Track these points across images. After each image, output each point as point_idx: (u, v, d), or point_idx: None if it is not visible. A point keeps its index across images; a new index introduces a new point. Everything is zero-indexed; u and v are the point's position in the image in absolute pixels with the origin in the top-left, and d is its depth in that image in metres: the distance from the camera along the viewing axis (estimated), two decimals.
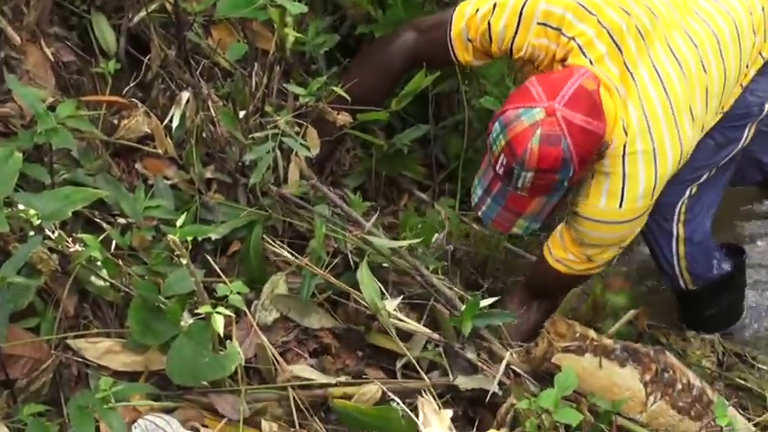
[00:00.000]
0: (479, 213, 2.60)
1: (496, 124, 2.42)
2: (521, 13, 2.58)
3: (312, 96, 2.52)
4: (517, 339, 2.65)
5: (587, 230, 2.61)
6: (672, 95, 2.52)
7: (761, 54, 2.77)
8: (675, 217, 2.93)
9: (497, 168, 2.44)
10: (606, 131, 2.42)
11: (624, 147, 2.48)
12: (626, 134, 2.47)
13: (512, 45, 2.62)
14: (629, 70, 2.50)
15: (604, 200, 2.52)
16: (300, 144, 2.44)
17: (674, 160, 2.54)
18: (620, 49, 2.50)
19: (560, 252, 2.72)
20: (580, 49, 2.51)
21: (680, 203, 2.89)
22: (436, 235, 2.73)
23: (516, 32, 2.59)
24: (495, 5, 2.62)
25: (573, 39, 2.52)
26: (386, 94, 2.93)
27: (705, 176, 2.86)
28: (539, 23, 2.56)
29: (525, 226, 2.58)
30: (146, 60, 2.58)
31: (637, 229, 2.67)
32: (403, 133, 3.15)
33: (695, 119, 2.58)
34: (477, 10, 2.65)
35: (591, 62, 2.49)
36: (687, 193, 2.87)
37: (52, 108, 2.12)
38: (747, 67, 2.74)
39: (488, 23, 2.63)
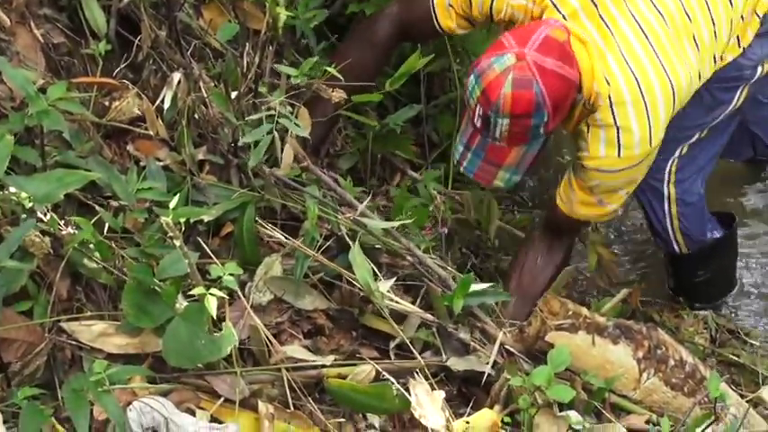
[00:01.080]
0: (462, 169, 2.64)
1: (471, 77, 2.47)
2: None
3: (304, 77, 2.52)
4: (543, 281, 2.78)
5: (593, 180, 2.65)
6: (656, 44, 2.55)
7: (756, 13, 2.77)
8: (666, 177, 2.98)
9: (475, 120, 2.49)
10: (579, 80, 2.47)
11: (609, 98, 2.51)
12: (609, 84, 2.50)
13: (491, 8, 2.66)
14: (605, 23, 2.54)
15: (603, 150, 2.57)
16: (295, 124, 2.43)
17: (666, 106, 2.56)
18: (594, 3, 2.54)
19: (571, 198, 2.75)
20: (554, 5, 2.55)
21: (670, 163, 2.94)
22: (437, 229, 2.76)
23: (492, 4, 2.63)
24: None
25: None
26: (376, 70, 2.96)
27: (696, 137, 2.90)
28: None
29: (507, 178, 2.61)
30: (136, 41, 2.56)
31: (643, 172, 2.71)
32: (396, 113, 3.14)
33: (686, 65, 2.60)
34: None
35: (564, 17, 2.53)
36: (677, 152, 2.92)
37: (43, 90, 2.11)
38: (743, 20, 2.74)
39: None
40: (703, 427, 2.16)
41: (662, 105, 2.55)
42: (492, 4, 2.65)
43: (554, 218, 2.87)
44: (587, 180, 2.66)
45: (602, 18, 2.54)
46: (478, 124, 2.48)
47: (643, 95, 2.52)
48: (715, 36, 2.67)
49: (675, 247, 3.15)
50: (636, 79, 2.52)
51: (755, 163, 3.68)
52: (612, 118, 2.53)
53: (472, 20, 2.74)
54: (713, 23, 2.65)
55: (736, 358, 3.15)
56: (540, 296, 2.63)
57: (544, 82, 2.38)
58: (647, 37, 2.55)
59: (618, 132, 2.53)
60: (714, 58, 2.70)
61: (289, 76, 2.49)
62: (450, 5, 2.74)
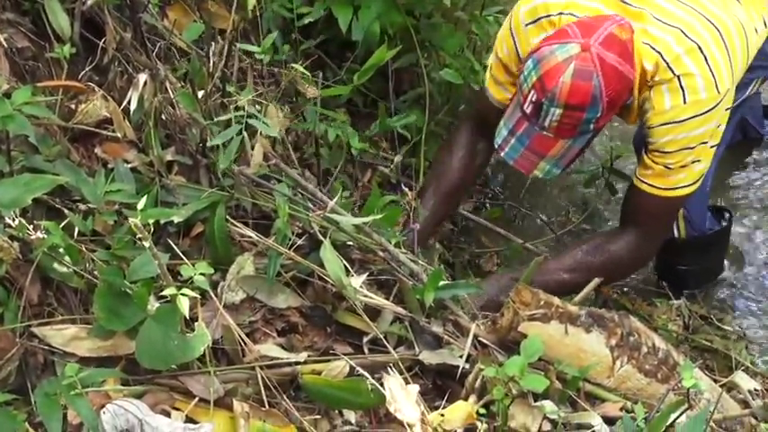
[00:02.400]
0: (502, 154, 2.62)
1: (529, 62, 2.47)
2: (511, 30, 2.68)
3: (265, 54, 2.53)
4: (636, 265, 2.89)
5: (663, 139, 2.58)
6: (692, 2, 2.57)
7: None
8: None
9: (525, 107, 2.48)
10: (635, 78, 2.46)
11: (662, 57, 2.50)
12: (657, 51, 2.50)
13: (519, 57, 2.66)
14: (632, 5, 2.56)
15: (668, 100, 2.52)
16: (263, 123, 2.43)
17: (720, 51, 2.54)
18: None
19: (650, 178, 2.70)
20: (572, 16, 2.55)
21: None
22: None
23: (516, 46, 2.66)
24: (497, 40, 2.76)
25: (561, 13, 2.57)
26: (466, 173, 3.01)
27: None
28: (527, 25, 2.63)
29: (547, 169, 2.60)
30: (101, 44, 2.54)
31: (711, 126, 2.59)
32: (395, 117, 3.22)
33: (732, 15, 2.61)
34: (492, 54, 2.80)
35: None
36: None
37: (8, 95, 2.10)
38: None
39: (498, 57, 2.75)
40: (678, 413, 2.18)
41: (716, 50, 2.53)
42: (519, 55, 2.67)
43: (635, 208, 2.82)
44: (657, 145, 2.60)
45: (627, 3, 2.55)
46: (528, 110, 2.47)
47: (695, 41, 2.51)
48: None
49: (675, 231, 3.16)
50: (681, 31, 2.51)
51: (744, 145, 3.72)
52: (670, 71, 2.50)
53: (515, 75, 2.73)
54: None
55: (710, 344, 3.17)
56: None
57: (604, 76, 2.38)
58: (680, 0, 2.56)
59: (679, 80, 2.50)
60: (755, 26, 2.71)
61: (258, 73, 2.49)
62: (496, 79, 2.79)
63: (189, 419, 2.04)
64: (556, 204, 3.77)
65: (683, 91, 2.50)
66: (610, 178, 3.59)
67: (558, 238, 3.53)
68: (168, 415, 2.02)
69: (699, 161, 2.64)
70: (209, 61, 2.53)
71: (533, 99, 2.44)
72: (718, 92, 2.52)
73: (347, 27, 3.18)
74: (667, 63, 2.49)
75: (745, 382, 2.71)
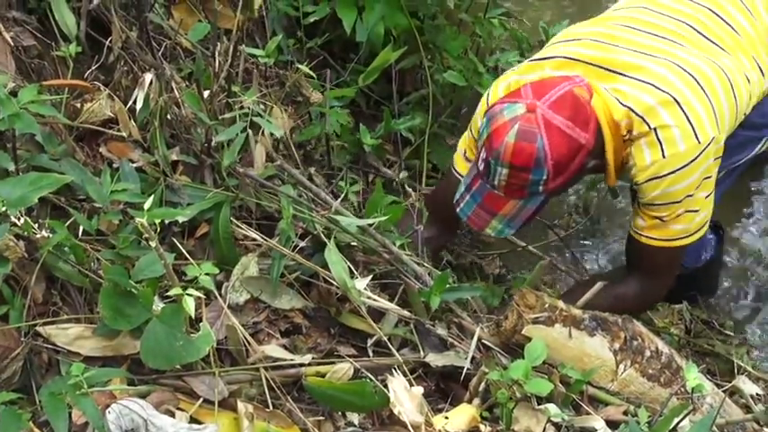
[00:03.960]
0: (458, 210, 2.59)
1: (484, 120, 2.44)
2: (488, 106, 2.55)
3: (269, 58, 2.52)
4: (644, 307, 2.91)
5: (651, 194, 2.52)
6: (662, 51, 2.52)
7: None
8: None
9: (479, 164, 2.46)
10: (590, 143, 2.40)
11: (634, 111, 2.44)
12: (623, 105, 2.45)
13: None
14: (603, 68, 2.52)
15: (648, 156, 2.46)
16: (268, 123, 2.43)
17: (698, 98, 2.47)
18: (584, 61, 2.53)
19: (648, 230, 2.64)
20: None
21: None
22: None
23: None
24: (474, 118, 2.72)
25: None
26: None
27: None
28: None
29: (499, 228, 2.56)
30: (107, 43, 2.55)
31: (695, 178, 2.50)
32: (401, 120, 3.21)
33: (708, 60, 2.55)
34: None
35: None
36: None
37: (14, 93, 2.10)
38: None
39: (471, 132, 2.72)
40: (681, 417, 2.18)
41: (693, 98, 2.46)
42: None
43: (635, 256, 2.77)
44: (646, 201, 2.55)
45: (599, 67, 2.52)
46: (481, 168, 2.45)
47: (668, 92, 2.45)
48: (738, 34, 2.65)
49: None
50: (653, 85, 2.46)
51: None
52: (646, 125, 2.44)
53: None
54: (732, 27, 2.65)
55: (712, 348, 3.17)
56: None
57: (549, 138, 2.33)
58: (649, 53, 2.52)
59: (656, 133, 2.44)
60: (747, 74, 2.63)
61: (263, 76, 2.49)
62: (465, 156, 2.77)
63: (193, 420, 2.04)
64: (558, 207, 3.77)
65: (660, 145, 2.44)
66: None
67: (561, 241, 3.53)
68: (173, 415, 2.02)
69: (695, 211, 2.58)
70: (214, 61, 2.53)
71: (483, 157, 2.43)
72: (699, 141, 2.45)
73: (351, 28, 3.18)
74: (641, 116, 2.44)
75: (747, 386, 2.71)
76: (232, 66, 2.52)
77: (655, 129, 2.44)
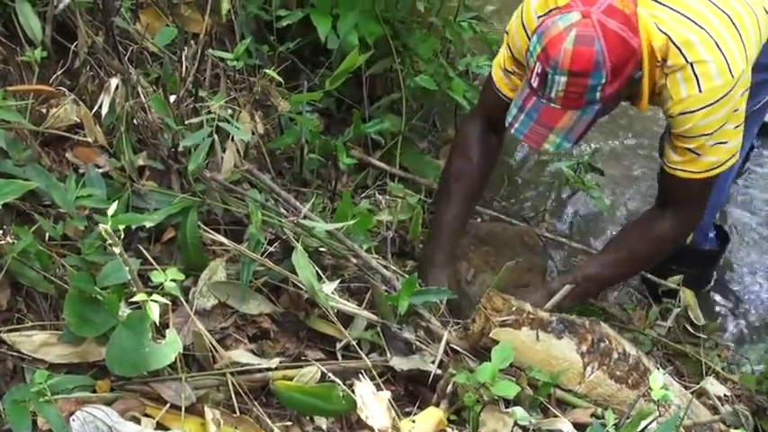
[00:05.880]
0: (512, 130, 2.61)
1: (534, 38, 2.49)
2: (523, 24, 2.68)
3: (238, 61, 2.52)
4: (679, 242, 2.94)
5: (684, 126, 2.60)
6: None
7: None
8: None
9: (532, 80, 2.50)
10: (640, 51, 2.47)
11: (673, 41, 2.50)
12: (667, 34, 2.51)
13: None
14: None
15: (684, 90, 2.54)
16: (235, 128, 2.43)
17: (732, 36, 2.55)
18: None
19: (683, 165, 2.72)
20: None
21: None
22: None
23: (529, 39, 2.62)
24: (507, 33, 2.78)
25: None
26: (480, 174, 3.02)
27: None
28: (540, 17, 2.61)
29: (557, 143, 2.58)
30: (73, 47, 2.54)
31: (728, 110, 2.60)
32: (371, 123, 3.22)
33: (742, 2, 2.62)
34: (502, 48, 2.82)
35: None
36: None
37: None
38: None
39: (510, 52, 2.77)
40: (648, 420, 2.19)
41: (726, 34, 2.54)
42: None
43: (668, 189, 2.85)
44: (679, 133, 2.63)
45: None
46: (535, 84, 2.49)
47: (704, 27, 2.52)
48: None
49: None
50: (689, 19, 2.52)
51: None
52: (682, 57, 2.51)
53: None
54: None
55: (682, 348, 3.18)
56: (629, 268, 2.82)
57: (606, 41, 2.40)
58: None
59: (692, 67, 2.51)
60: (764, 5, 2.71)
61: (231, 80, 2.49)
62: (509, 71, 2.81)
63: (160, 426, 2.03)
64: (533, 202, 3.81)
65: (697, 79, 2.52)
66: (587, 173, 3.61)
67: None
68: (139, 422, 2.01)
69: (724, 143, 2.67)
70: (181, 66, 2.52)
71: (539, 71, 2.47)
72: (732, 76, 2.54)
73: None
74: (678, 48, 2.51)
75: (714, 387, 2.73)
76: (199, 70, 2.51)
77: (692, 63, 2.51)
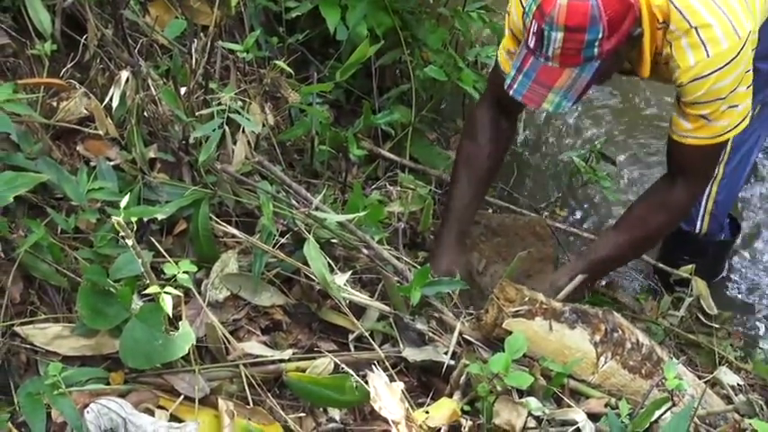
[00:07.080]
0: (511, 92, 2.58)
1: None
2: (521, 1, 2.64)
3: (248, 53, 2.51)
4: (691, 205, 2.92)
5: (696, 94, 2.58)
6: None
7: None
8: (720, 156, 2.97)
9: (529, 41, 2.47)
10: (637, 7, 2.44)
11: (673, 3, 2.48)
12: None
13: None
14: None
15: (691, 57, 2.51)
16: (246, 119, 2.42)
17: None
18: None
19: (694, 132, 2.69)
20: None
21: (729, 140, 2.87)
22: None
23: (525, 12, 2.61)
24: (507, 14, 2.77)
25: None
26: (492, 156, 2.99)
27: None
28: None
29: (556, 102, 2.55)
30: (82, 40, 2.54)
31: (739, 73, 2.57)
32: (380, 114, 3.20)
33: None
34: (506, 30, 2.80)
35: None
36: None
37: None
38: None
39: (510, 29, 2.76)
40: (662, 410, 2.18)
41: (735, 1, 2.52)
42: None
43: (677, 157, 2.81)
44: (690, 100, 2.60)
45: None
46: (532, 43, 2.46)
47: None
48: None
49: (699, 224, 3.23)
50: None
51: None
52: (685, 21, 2.48)
53: None
54: None
55: (694, 338, 3.18)
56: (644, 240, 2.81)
57: None
58: None
59: (697, 32, 2.48)
60: None
61: (241, 72, 2.48)
62: (509, 51, 2.79)
63: (174, 417, 2.03)
64: (544, 193, 3.81)
65: (703, 44, 2.50)
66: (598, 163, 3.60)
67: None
68: (152, 414, 2.01)
69: (736, 106, 2.64)
70: (191, 58, 2.52)
71: (535, 30, 2.44)
72: (739, 37, 2.51)
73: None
74: (680, 11, 2.49)
75: (728, 377, 2.73)
76: (209, 62, 2.50)
77: (696, 28, 2.49)
